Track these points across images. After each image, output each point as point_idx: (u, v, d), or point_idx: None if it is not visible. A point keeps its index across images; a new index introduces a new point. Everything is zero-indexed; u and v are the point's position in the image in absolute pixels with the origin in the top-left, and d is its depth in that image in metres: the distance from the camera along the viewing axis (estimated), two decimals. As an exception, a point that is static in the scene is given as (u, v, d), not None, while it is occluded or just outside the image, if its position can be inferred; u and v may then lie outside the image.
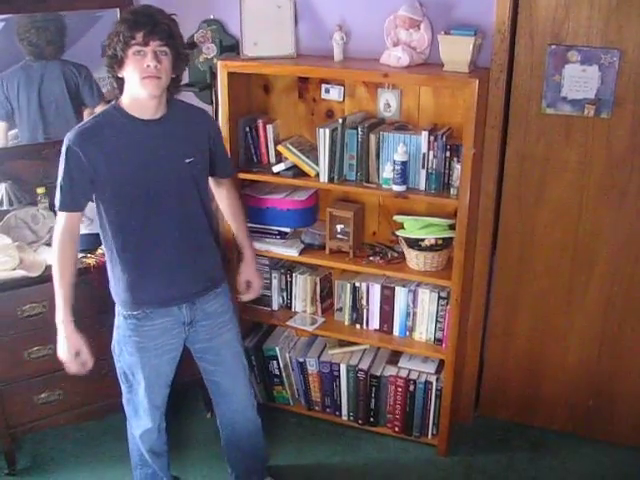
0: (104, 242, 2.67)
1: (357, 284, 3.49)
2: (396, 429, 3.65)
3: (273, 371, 3.78)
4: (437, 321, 3.40)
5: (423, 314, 3.41)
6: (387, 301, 3.45)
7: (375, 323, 3.53)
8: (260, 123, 3.42)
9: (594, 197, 3.30)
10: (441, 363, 3.51)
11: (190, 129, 2.69)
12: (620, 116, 3.15)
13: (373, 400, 3.62)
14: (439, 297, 3.35)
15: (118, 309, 2.74)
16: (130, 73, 2.45)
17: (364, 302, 3.50)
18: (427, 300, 3.38)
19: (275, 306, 3.72)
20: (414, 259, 3.30)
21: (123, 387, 2.89)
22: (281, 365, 3.74)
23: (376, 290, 3.45)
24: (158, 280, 2.67)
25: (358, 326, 3.57)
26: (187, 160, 2.63)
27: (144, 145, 2.56)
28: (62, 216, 2.58)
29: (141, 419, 2.91)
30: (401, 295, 3.42)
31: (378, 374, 3.57)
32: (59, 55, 3.56)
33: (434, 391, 3.50)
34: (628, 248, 3.33)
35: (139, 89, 2.47)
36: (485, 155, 3.29)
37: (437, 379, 3.50)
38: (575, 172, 3.29)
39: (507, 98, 3.26)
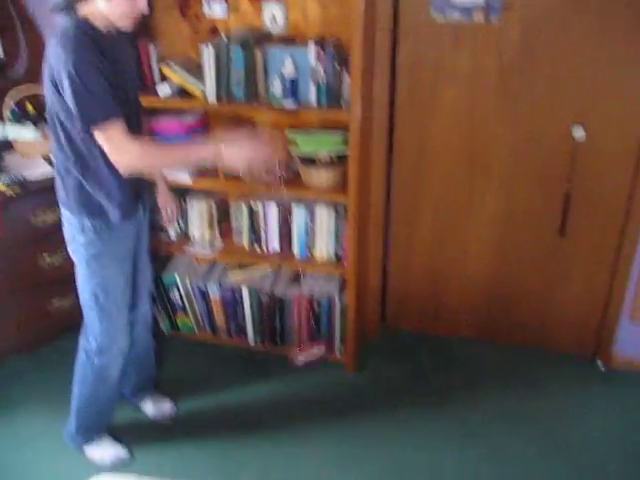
0: (84, 164, 2.52)
1: (254, 205, 3.41)
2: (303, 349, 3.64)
3: (175, 300, 3.71)
4: (337, 238, 3.37)
5: (322, 232, 3.37)
6: (285, 220, 3.40)
7: (275, 244, 3.47)
8: (142, 43, 3.26)
9: (487, 104, 3.29)
10: (344, 280, 3.50)
11: (129, 44, 2.68)
12: (509, 21, 3.11)
13: (278, 321, 3.60)
14: (337, 213, 3.31)
15: (83, 225, 2.61)
16: (115, 5, 2.34)
17: (262, 223, 3.43)
18: (325, 217, 3.33)
19: (172, 234, 3.62)
20: (309, 176, 3.24)
21: (93, 311, 2.78)
22: (182, 293, 3.67)
23: (273, 210, 3.39)
24: (133, 189, 2.68)
25: (258, 248, 3.51)
26: (135, 72, 2.70)
27: (118, 57, 2.47)
28: (108, 131, 2.35)
29: (116, 339, 2.84)
30: (299, 214, 3.36)
31: (281, 295, 3.54)
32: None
33: (338, 308, 3.49)
34: (523, 153, 3.34)
35: (119, 21, 2.39)
36: (376, 65, 3.23)
37: (340, 296, 3.49)
38: (467, 79, 3.26)
39: (395, 5, 3.18)
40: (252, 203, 3.41)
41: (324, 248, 3.41)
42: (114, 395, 3.06)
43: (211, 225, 3.56)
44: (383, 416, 3.35)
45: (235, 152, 2.47)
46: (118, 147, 2.37)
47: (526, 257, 3.58)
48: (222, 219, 3.57)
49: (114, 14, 2.36)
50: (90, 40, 2.33)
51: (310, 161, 3.25)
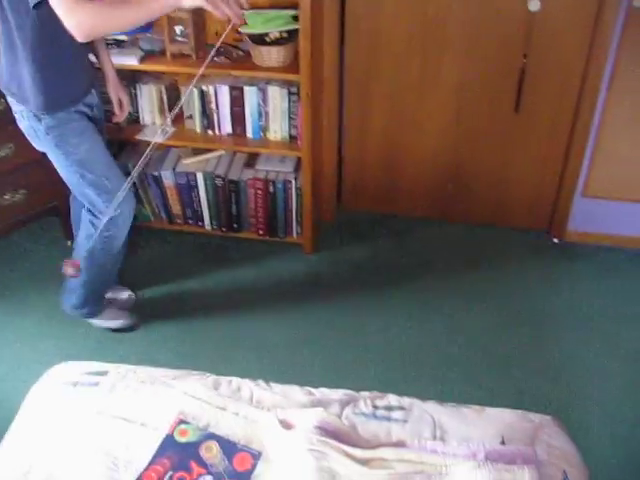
0: (37, 53, 2.46)
1: (204, 88, 3.33)
2: (260, 232, 3.64)
3: (129, 189, 3.65)
4: (290, 118, 3.32)
5: (275, 112, 3.32)
6: (237, 102, 3.33)
7: (227, 127, 3.42)
8: None
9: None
10: (299, 161, 3.47)
11: None
12: None
13: (234, 206, 3.57)
14: (289, 93, 3.26)
15: (35, 114, 2.60)
16: None
17: (213, 106, 3.36)
18: (278, 97, 3.27)
19: (122, 121, 3.53)
20: (260, 56, 3.16)
21: (89, 190, 2.81)
22: (136, 181, 3.61)
23: (224, 92, 3.31)
24: (85, 72, 2.75)
25: (211, 132, 3.45)
26: None
27: None
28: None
29: (121, 206, 2.81)
30: (251, 95, 3.29)
31: (236, 179, 3.50)
32: None
33: (294, 190, 3.49)
34: (477, 28, 3.29)
35: None
36: (324, -62, 3.12)
37: (296, 178, 3.48)
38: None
39: None
40: (203, 86, 3.32)
41: (278, 129, 3.37)
42: (118, 263, 3.14)
43: (162, 110, 3.48)
44: (341, 294, 3.41)
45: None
46: (73, 8, 2.24)
47: (481, 135, 3.58)
48: (173, 104, 3.47)
49: None
50: None
51: (260, 40, 3.15)
